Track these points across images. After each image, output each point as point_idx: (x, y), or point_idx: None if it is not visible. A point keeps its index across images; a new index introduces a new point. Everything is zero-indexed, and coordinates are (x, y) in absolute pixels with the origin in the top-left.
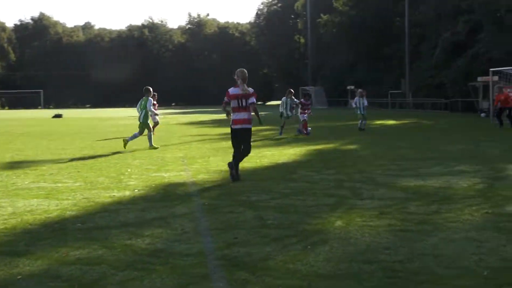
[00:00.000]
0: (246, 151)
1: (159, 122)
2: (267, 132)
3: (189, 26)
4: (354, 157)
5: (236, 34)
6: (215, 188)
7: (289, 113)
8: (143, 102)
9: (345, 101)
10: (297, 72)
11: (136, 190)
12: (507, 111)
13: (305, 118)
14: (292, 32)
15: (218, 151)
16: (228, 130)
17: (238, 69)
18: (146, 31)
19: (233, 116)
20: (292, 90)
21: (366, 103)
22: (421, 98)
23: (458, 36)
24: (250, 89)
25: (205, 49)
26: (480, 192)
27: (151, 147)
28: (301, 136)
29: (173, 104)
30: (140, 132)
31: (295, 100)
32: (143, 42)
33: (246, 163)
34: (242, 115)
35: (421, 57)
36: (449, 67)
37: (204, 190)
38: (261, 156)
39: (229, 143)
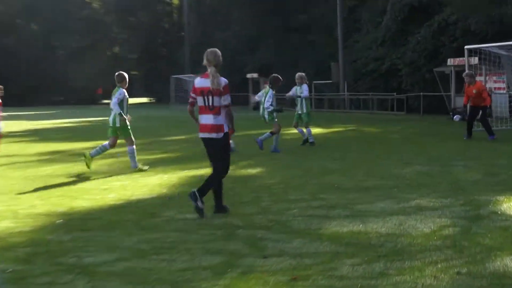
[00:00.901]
0: (215, 173)
1: (1, 133)
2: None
3: None
4: (255, 188)
5: None
6: (26, 244)
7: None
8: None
9: (244, 97)
10: (168, 52)
11: None
12: (480, 112)
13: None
14: None
15: (34, 182)
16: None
17: (209, 50)
18: None
19: (199, 119)
20: (279, 77)
21: (305, 93)
22: (363, 93)
23: None
24: (223, 80)
25: (15, 15)
26: (450, 240)
27: (136, 168)
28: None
29: None
30: (111, 144)
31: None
32: None
33: (80, 200)
34: (207, 119)
35: (361, 29)
36: (405, 43)
37: (8, 247)
38: (104, 189)
39: (52, 168)
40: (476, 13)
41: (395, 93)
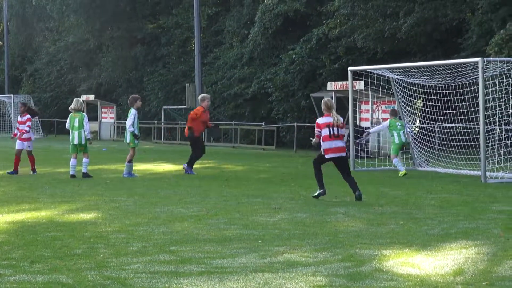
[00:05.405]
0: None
1: None
2: None
3: None
4: (88, 238)
5: None
6: None
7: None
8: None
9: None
10: None
11: None
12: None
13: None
14: None
15: None
16: None
17: (327, 99)
18: None
19: (324, 145)
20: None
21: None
22: (224, 122)
23: (291, 3)
24: (340, 118)
25: None
26: None
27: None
28: None
29: None
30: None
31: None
32: None
33: None
34: (337, 143)
35: (224, 42)
36: (276, 62)
37: None
38: None
39: None
40: (364, 27)
41: (263, 123)
